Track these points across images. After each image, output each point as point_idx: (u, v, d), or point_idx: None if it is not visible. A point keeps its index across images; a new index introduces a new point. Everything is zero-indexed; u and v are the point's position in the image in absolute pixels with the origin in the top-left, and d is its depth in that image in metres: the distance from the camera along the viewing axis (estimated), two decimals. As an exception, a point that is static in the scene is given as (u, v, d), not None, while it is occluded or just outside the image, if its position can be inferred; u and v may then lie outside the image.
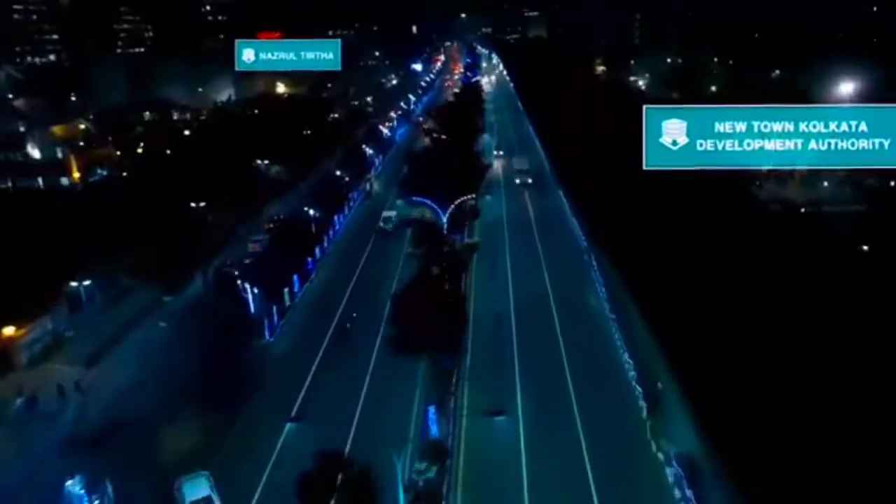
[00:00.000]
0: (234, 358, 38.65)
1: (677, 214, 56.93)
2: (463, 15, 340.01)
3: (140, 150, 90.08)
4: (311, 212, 62.04)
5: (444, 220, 45.96)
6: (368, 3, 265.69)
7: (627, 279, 47.43)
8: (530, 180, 79.44)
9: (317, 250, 57.11)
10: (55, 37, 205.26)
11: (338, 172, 76.61)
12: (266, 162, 79.26)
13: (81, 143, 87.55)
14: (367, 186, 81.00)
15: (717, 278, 43.25)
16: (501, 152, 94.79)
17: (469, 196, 50.72)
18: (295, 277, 49.85)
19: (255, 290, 42.95)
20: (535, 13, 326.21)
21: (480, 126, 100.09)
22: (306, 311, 47.49)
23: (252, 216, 64.45)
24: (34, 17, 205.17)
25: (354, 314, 44.64)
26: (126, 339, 42.83)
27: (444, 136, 75.37)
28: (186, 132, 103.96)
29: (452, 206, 47.57)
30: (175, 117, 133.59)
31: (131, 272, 51.16)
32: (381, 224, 63.87)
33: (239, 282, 43.96)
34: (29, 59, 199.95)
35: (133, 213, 60.40)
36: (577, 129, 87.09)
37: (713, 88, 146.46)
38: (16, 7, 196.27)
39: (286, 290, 47.57)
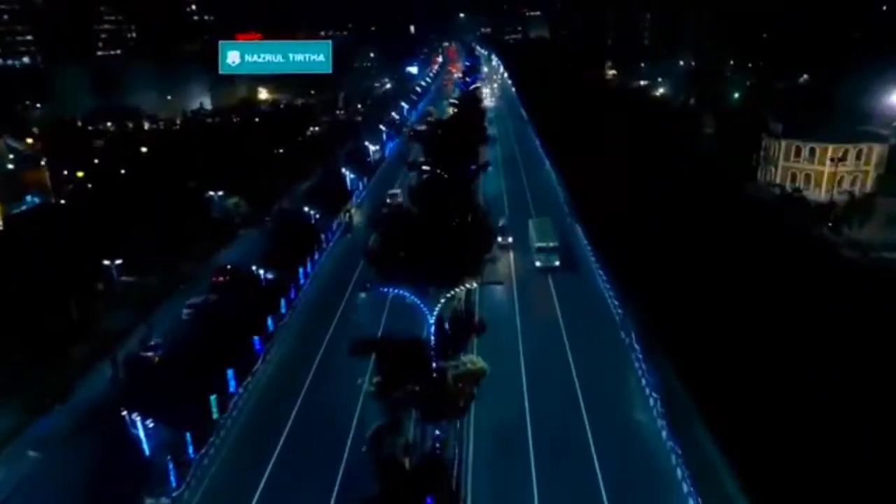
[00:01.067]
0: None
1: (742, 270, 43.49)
2: (461, 15, 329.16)
3: (81, 175, 76.27)
4: (264, 271, 47.98)
5: (431, 321, 29.22)
6: (365, 3, 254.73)
7: (689, 382, 34.01)
8: (557, 262, 52.92)
9: (269, 322, 43.58)
10: (29, 38, 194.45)
11: (307, 209, 62.41)
12: (220, 193, 65.03)
13: (10, 166, 73.72)
14: (346, 218, 68.03)
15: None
16: (510, 239, 58.70)
17: (468, 284, 34.71)
18: (230, 374, 36.40)
19: (152, 423, 28.98)
20: (537, 13, 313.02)
21: (484, 162, 77.92)
22: (238, 433, 33.95)
23: (191, 269, 51.10)
24: (6, 16, 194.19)
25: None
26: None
27: (437, 170, 59.35)
28: (144, 149, 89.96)
29: (442, 301, 31.03)
30: (146, 127, 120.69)
31: (15, 364, 37.84)
32: (388, 200, 70.27)
33: (125, 412, 29.92)
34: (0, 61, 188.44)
35: (42, 267, 47.08)
36: (599, 152, 72.84)
37: (735, 95, 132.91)
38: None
39: (215, 396, 34.14)
